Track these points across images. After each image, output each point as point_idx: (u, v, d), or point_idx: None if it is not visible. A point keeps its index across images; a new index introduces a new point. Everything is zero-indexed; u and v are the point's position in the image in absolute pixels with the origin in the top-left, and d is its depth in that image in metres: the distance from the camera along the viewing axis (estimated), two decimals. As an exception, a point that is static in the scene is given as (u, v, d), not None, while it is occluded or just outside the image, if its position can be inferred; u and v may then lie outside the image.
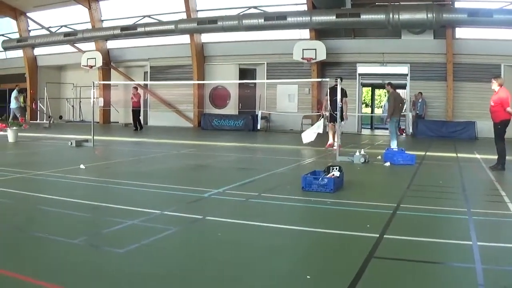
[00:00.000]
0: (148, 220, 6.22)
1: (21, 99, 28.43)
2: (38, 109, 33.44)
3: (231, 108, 30.65)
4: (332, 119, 15.90)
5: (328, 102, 16.01)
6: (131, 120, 27.31)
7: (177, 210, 6.89)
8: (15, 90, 28.91)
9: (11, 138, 17.65)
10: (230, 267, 4.59)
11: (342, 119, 15.95)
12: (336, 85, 14.36)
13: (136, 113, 26.49)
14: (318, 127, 15.06)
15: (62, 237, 5.38)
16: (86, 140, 16.78)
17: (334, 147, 15.12)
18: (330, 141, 16.68)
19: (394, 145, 15.48)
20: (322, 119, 15.83)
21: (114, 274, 4.34)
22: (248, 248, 5.24)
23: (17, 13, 35.61)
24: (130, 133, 24.44)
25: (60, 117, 30.40)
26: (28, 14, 36.28)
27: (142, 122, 27.42)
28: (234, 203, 7.59)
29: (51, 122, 29.45)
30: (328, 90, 16.31)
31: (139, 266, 4.53)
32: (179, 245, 5.33)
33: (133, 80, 31.81)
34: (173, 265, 4.62)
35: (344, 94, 15.56)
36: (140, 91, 28.87)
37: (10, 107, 28.29)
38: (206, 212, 6.75)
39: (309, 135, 15.08)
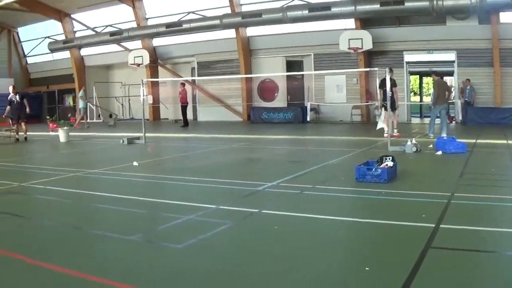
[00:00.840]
0: (204, 215, 6.34)
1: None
2: (88, 108, 34.07)
3: (280, 101, 30.65)
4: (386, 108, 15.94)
5: (380, 92, 16.15)
6: (181, 116, 27.53)
7: (233, 204, 6.97)
8: (81, 90, 29.91)
9: (62, 138, 18.11)
10: (286, 260, 4.62)
11: (394, 108, 16.19)
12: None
13: (183, 109, 26.65)
14: (383, 114, 15.34)
15: (119, 234, 5.53)
16: (138, 138, 17.07)
17: (386, 135, 15.10)
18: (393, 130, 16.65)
19: (431, 132, 16.20)
20: (382, 108, 16.00)
21: (172, 270, 4.42)
22: (304, 240, 5.26)
23: (61, 15, 36.28)
24: (180, 129, 24.68)
25: (110, 116, 30.96)
26: (72, 16, 37.00)
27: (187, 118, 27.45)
28: (289, 195, 7.64)
29: (115, 120, 30.12)
30: (379, 82, 16.35)
31: (198, 261, 4.60)
32: (236, 239, 5.39)
33: (181, 77, 32.09)
34: (230, 260, 4.69)
35: (393, 83, 15.61)
36: (188, 87, 29.07)
37: (80, 107, 29.30)
38: (262, 205, 6.82)
39: (382, 124, 15.39)
